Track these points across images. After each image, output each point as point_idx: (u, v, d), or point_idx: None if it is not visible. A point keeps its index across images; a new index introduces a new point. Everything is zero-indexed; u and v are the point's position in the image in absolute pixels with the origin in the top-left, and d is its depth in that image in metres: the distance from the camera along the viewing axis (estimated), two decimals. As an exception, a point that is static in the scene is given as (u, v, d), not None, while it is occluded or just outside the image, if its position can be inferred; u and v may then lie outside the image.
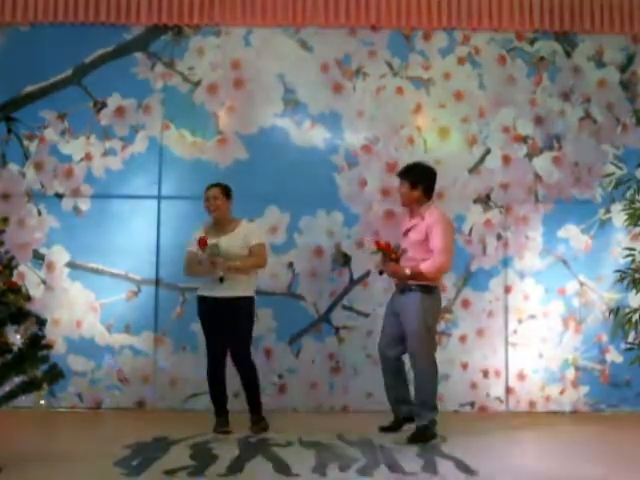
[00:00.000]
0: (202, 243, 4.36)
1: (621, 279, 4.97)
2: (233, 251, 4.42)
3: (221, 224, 4.55)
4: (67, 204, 5.36)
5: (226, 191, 4.57)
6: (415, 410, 4.36)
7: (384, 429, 4.48)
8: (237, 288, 4.44)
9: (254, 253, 4.50)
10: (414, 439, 4.23)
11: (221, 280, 4.34)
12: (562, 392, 5.38)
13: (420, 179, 4.45)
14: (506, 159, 5.50)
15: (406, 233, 4.45)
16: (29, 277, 5.24)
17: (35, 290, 5.16)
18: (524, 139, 5.53)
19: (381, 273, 4.49)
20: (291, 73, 5.48)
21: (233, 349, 4.51)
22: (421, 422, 4.30)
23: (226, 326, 4.45)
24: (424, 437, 4.25)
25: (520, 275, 5.44)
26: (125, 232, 5.34)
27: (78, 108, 5.41)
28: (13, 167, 5.38)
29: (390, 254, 4.38)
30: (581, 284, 5.45)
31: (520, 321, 5.41)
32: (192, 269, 4.56)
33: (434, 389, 4.36)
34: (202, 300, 4.52)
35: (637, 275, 4.87)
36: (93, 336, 5.29)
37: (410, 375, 4.51)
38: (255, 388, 4.57)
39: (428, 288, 4.36)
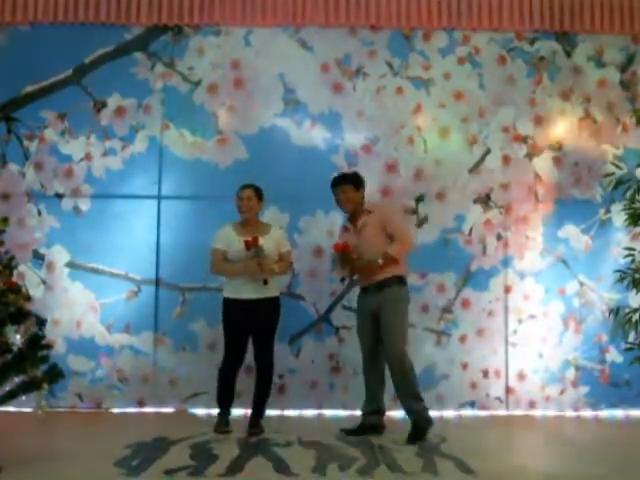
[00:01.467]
0: (254, 243, 4.35)
1: (621, 279, 4.97)
2: (269, 254, 4.47)
3: (250, 225, 4.56)
4: (67, 204, 5.36)
5: (259, 193, 4.60)
6: (404, 405, 4.38)
7: (347, 431, 4.45)
8: (271, 289, 4.52)
9: (284, 259, 4.59)
10: (414, 435, 4.24)
11: (265, 282, 4.41)
12: (562, 392, 5.38)
13: (360, 181, 4.58)
14: (506, 159, 5.50)
15: (359, 236, 4.48)
16: (29, 277, 5.24)
17: (35, 290, 5.16)
18: (524, 139, 5.53)
19: (343, 280, 4.54)
20: (291, 73, 5.48)
21: (261, 348, 4.52)
22: (413, 416, 4.32)
23: (258, 326, 4.49)
24: (422, 428, 4.27)
25: (520, 275, 5.44)
26: (125, 232, 5.34)
27: (78, 108, 5.40)
28: (13, 167, 5.38)
29: (351, 254, 4.43)
30: (581, 284, 5.45)
31: (520, 321, 5.41)
32: (222, 267, 4.54)
33: (415, 379, 4.38)
34: (230, 302, 4.50)
35: (637, 275, 4.87)
36: (93, 336, 5.29)
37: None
38: (268, 389, 4.57)
39: (402, 280, 4.45)
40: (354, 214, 4.56)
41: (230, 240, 4.48)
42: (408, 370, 4.34)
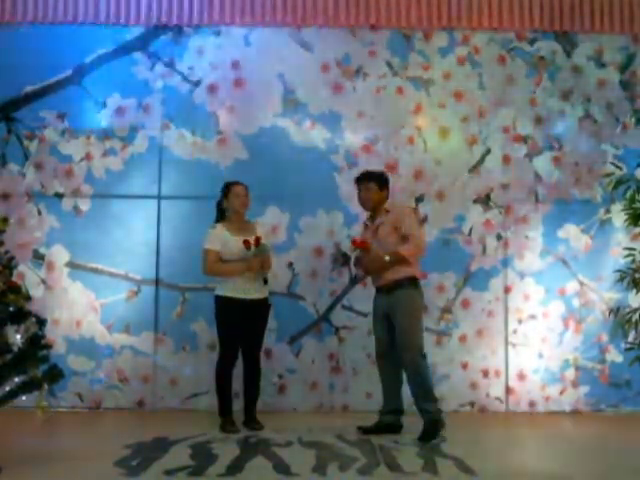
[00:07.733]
0: (256, 243, 4.41)
1: (621, 279, 4.96)
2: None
3: (240, 223, 4.59)
4: (67, 204, 5.36)
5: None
6: (418, 406, 4.37)
7: (363, 430, 4.48)
8: (266, 289, 4.57)
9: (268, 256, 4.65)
10: (425, 436, 4.24)
11: (265, 281, 4.46)
12: (562, 392, 5.38)
13: (385, 181, 4.61)
14: (506, 159, 5.50)
15: (374, 234, 4.50)
16: (29, 277, 5.24)
17: (35, 290, 5.16)
18: (524, 139, 5.53)
19: (355, 278, 4.54)
20: (291, 73, 5.48)
21: (253, 348, 4.57)
22: (427, 416, 4.31)
23: (253, 326, 4.53)
24: (434, 430, 4.26)
25: (520, 275, 5.44)
26: (125, 232, 5.34)
27: (78, 108, 5.41)
28: (13, 167, 5.37)
29: (369, 252, 4.45)
30: (581, 284, 5.45)
31: (520, 321, 5.41)
32: (219, 268, 4.51)
33: (430, 381, 4.40)
34: (233, 302, 4.47)
35: (637, 275, 4.86)
36: (93, 336, 5.29)
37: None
38: (259, 387, 4.63)
39: (414, 282, 4.43)
40: (374, 212, 4.58)
41: (225, 240, 4.48)
42: (423, 371, 4.36)
